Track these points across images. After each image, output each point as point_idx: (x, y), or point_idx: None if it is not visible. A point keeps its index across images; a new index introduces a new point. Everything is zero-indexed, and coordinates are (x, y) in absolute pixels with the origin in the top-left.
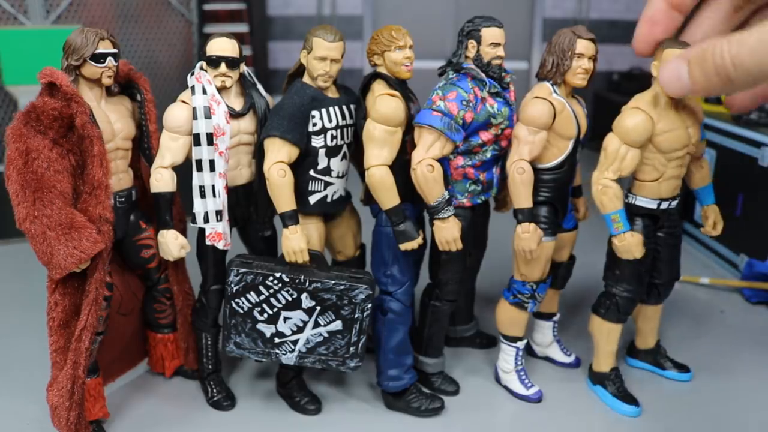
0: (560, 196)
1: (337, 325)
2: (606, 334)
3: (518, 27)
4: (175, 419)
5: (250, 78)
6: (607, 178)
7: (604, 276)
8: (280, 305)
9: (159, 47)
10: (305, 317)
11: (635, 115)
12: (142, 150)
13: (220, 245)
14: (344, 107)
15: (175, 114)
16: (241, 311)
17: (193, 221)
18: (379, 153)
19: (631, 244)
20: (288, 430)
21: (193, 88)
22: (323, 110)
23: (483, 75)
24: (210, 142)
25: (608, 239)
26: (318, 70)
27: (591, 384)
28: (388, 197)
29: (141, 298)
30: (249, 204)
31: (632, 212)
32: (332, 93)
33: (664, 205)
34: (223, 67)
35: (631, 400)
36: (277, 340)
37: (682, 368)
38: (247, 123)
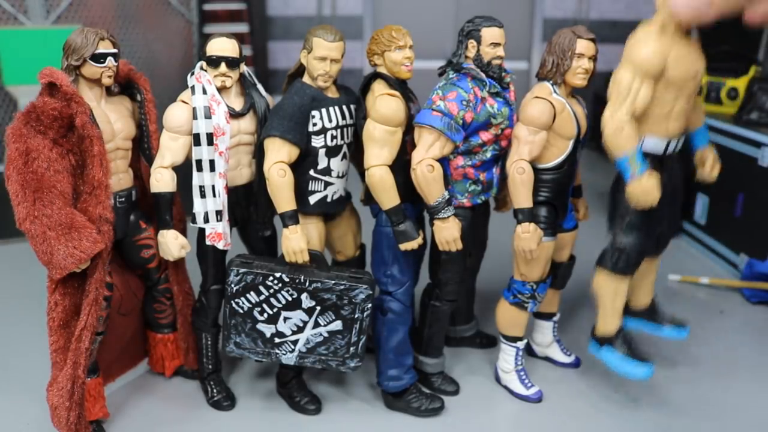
0: (560, 196)
1: (337, 325)
2: (614, 290)
3: (518, 27)
4: (175, 419)
5: (250, 78)
6: (622, 117)
7: (610, 227)
8: (280, 305)
9: (159, 47)
10: (305, 317)
11: (648, 41)
12: (142, 150)
13: (220, 245)
14: (344, 107)
15: (175, 114)
16: (241, 311)
17: (193, 221)
18: (379, 153)
19: (649, 187)
20: (288, 430)
21: (193, 88)
22: (323, 110)
23: (483, 75)
24: (210, 142)
25: (612, 188)
26: (318, 70)
27: (596, 349)
28: (388, 197)
29: (141, 298)
30: (249, 204)
31: None
32: (332, 93)
33: (672, 146)
34: (223, 67)
35: (642, 359)
36: (277, 340)
37: (679, 324)
38: (247, 123)
